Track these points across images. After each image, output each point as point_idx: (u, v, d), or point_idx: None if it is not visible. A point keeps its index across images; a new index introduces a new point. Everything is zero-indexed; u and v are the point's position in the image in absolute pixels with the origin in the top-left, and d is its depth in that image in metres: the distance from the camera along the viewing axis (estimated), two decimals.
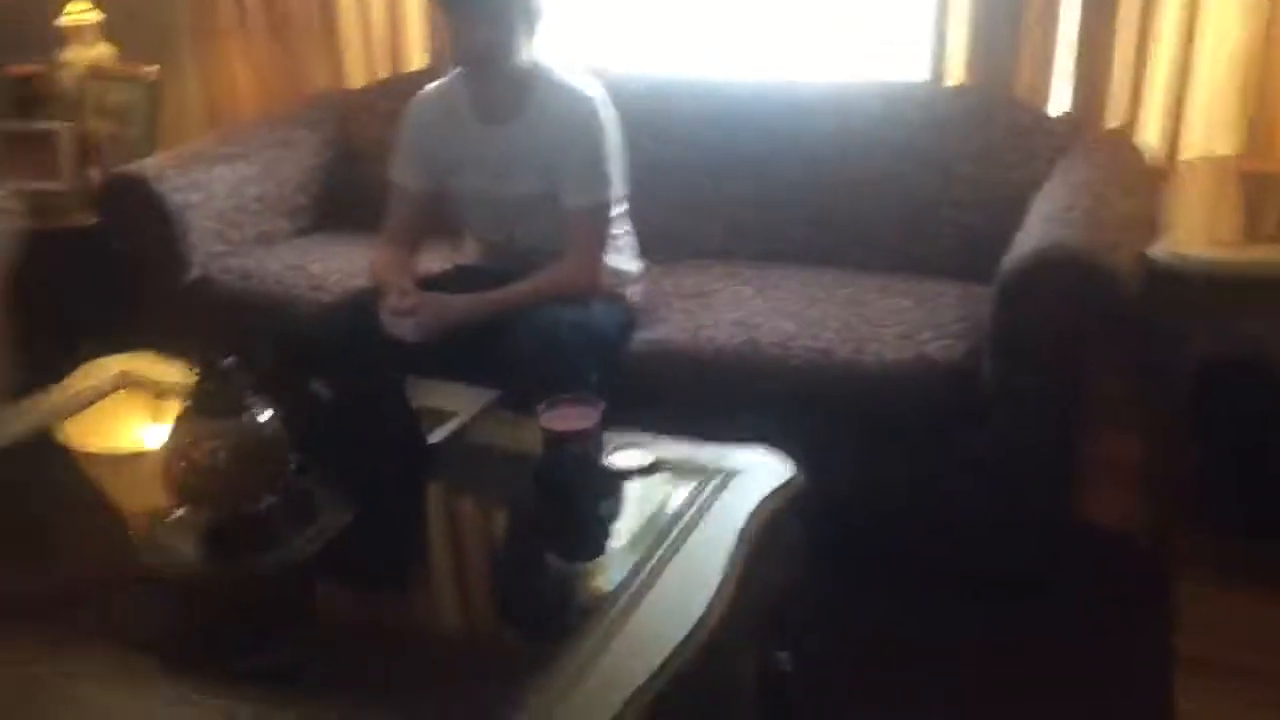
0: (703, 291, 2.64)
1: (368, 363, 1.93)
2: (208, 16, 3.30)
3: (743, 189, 2.84)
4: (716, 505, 1.79)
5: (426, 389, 2.15)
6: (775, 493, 1.82)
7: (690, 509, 1.78)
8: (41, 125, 3.13)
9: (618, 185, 2.41)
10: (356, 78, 3.29)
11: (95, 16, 3.17)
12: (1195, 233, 2.30)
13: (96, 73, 3.16)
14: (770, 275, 2.70)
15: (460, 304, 2.30)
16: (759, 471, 1.86)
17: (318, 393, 1.90)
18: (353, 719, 1.41)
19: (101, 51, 3.19)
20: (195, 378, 1.69)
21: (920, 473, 2.30)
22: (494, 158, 2.37)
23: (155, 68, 3.16)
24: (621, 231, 2.50)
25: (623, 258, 2.51)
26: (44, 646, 1.54)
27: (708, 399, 2.37)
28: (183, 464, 1.65)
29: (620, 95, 2.69)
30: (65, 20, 3.17)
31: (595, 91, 2.38)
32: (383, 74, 3.25)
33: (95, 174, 3.09)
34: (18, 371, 2.81)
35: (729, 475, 1.86)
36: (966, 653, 2.21)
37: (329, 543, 1.74)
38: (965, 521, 2.29)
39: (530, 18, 2.30)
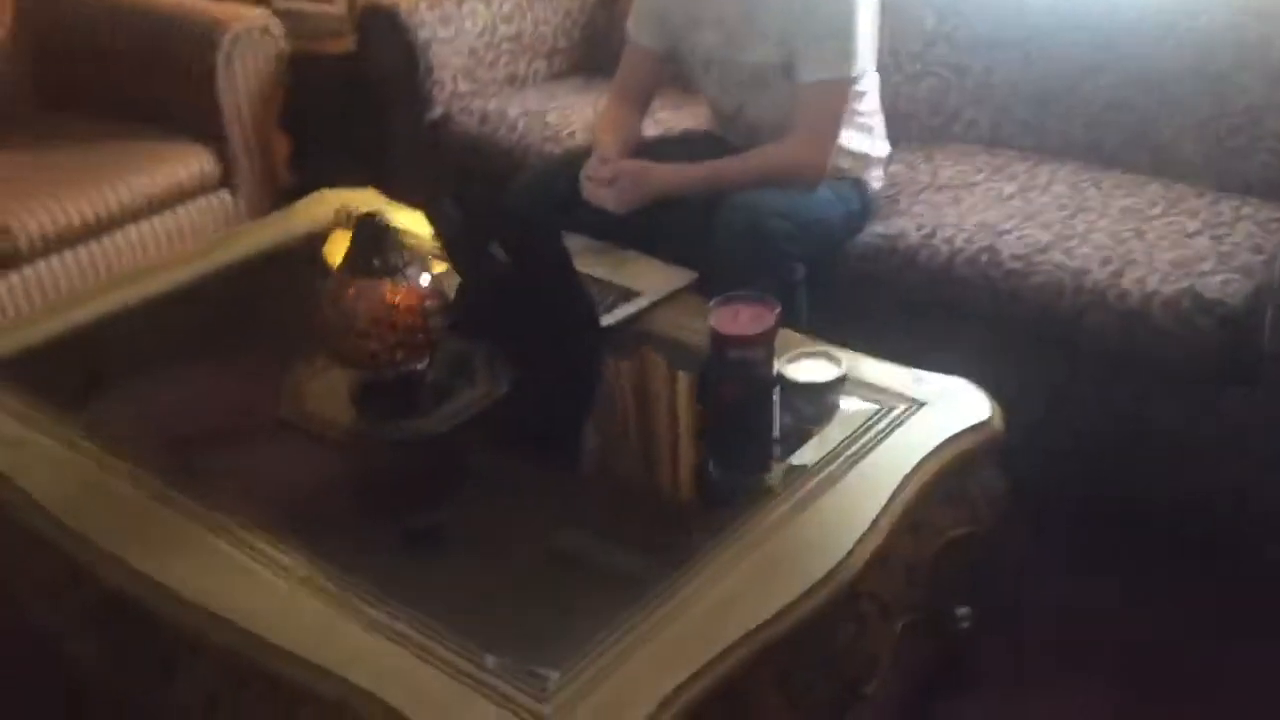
0: (957, 183, 2.36)
1: (554, 230, 1.81)
2: None
3: (1019, 71, 2.49)
4: (893, 438, 1.60)
5: (621, 261, 2.04)
6: (964, 434, 1.61)
7: (862, 438, 1.59)
8: None
9: (864, 58, 2.15)
10: None
11: None
12: None
13: None
14: (1040, 172, 2.38)
15: (663, 175, 2.12)
16: (951, 407, 1.65)
17: (495, 256, 1.81)
18: (462, 608, 1.35)
19: None
20: (351, 232, 1.65)
21: (1164, 433, 1.99)
22: (732, 18, 2.16)
23: None
24: (866, 109, 2.25)
25: (864, 137, 2.26)
26: (176, 482, 1.57)
27: (931, 313, 2.13)
28: (329, 321, 1.62)
29: None
30: None
31: None
32: None
33: None
34: (276, 191, 2.90)
35: (916, 406, 1.65)
36: (1174, 631, 1.93)
37: (474, 415, 1.68)
38: (1212, 496, 1.97)
39: None
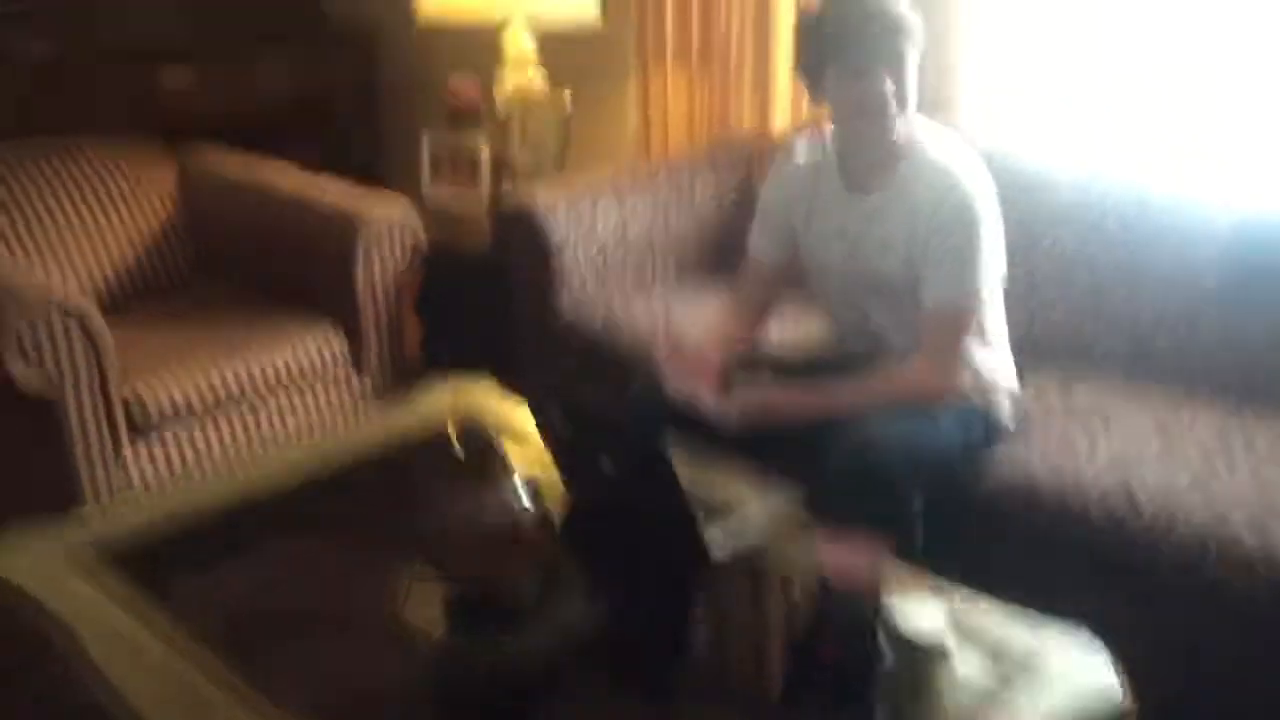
0: (1091, 415, 2.26)
1: (664, 446, 1.77)
2: (647, 46, 3.30)
3: (1162, 297, 2.40)
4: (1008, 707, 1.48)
5: (728, 480, 1.98)
6: (1086, 702, 1.48)
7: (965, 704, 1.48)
8: (468, 142, 3.26)
9: (990, 278, 2.10)
10: (783, 122, 3.16)
11: (531, 43, 3.26)
12: None
13: (521, 95, 3.24)
14: (1182, 409, 2.27)
15: (784, 401, 2.08)
16: (1072, 672, 1.52)
17: (604, 469, 1.78)
18: None
19: (532, 76, 3.27)
20: (463, 444, 1.64)
21: None
22: (855, 229, 2.15)
23: (568, 93, 3.19)
24: (991, 324, 2.18)
25: (989, 353, 2.19)
26: (259, 672, 1.54)
27: (1059, 556, 2.01)
28: (431, 530, 1.60)
29: (1029, 186, 2.44)
30: (505, 42, 3.28)
31: (975, 169, 2.09)
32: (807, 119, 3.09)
33: (506, 194, 3.18)
34: (403, 373, 2.95)
35: (1030, 671, 1.53)
36: None
37: (570, 638, 1.63)
38: None
39: (914, 71, 2.05)
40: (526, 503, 1.60)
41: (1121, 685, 1.51)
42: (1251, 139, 2.53)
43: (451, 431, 1.95)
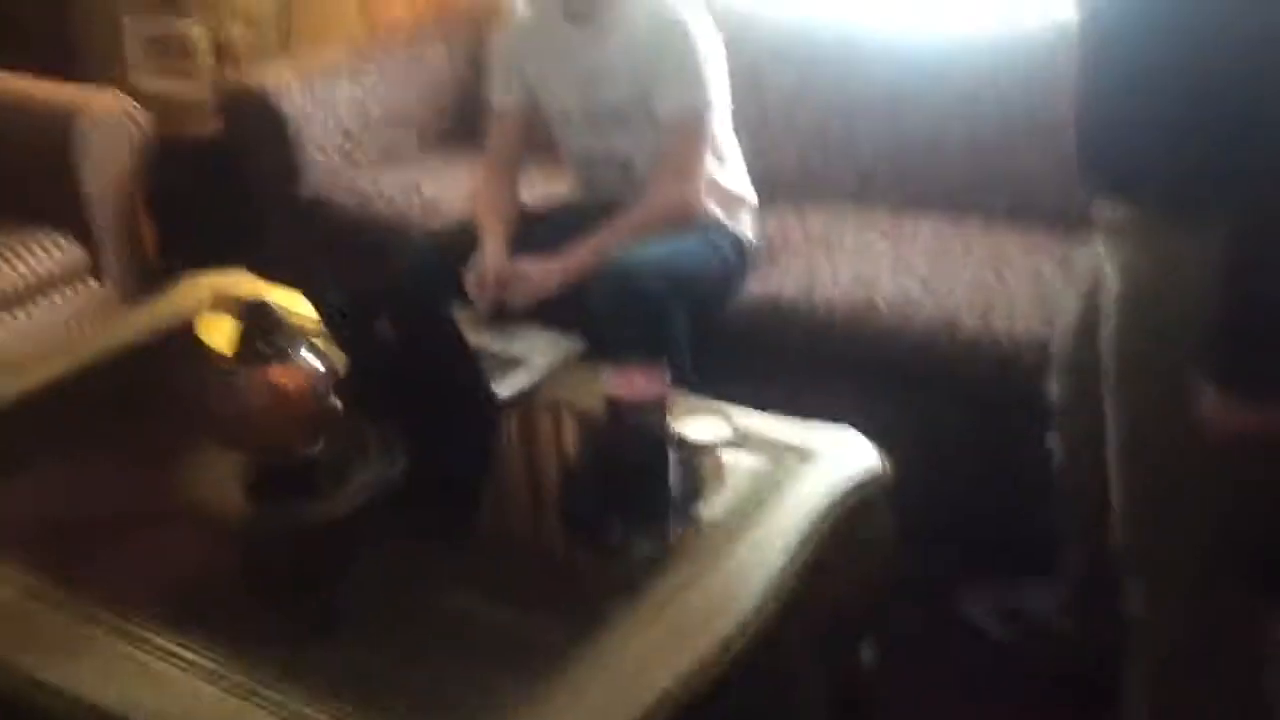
0: (829, 239, 2.44)
1: (443, 305, 1.82)
2: None
3: (879, 128, 2.60)
4: (787, 491, 1.63)
5: (509, 332, 2.06)
6: (854, 482, 1.65)
7: (758, 493, 1.63)
8: (179, 25, 3.10)
9: (717, 92, 2.23)
10: None
11: None
12: None
13: None
14: (905, 224, 2.48)
15: (548, 273, 2.14)
16: (840, 457, 1.69)
17: (382, 333, 1.81)
18: (373, 689, 1.34)
19: None
20: (234, 315, 1.63)
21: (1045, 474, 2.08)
22: (585, 64, 2.24)
23: None
24: (727, 146, 2.33)
25: (729, 174, 2.33)
26: (64, 581, 1.52)
27: (813, 365, 2.20)
28: (221, 409, 1.59)
29: (746, 26, 2.58)
30: None
31: None
32: None
33: (231, 78, 3.06)
34: (146, 278, 2.84)
35: (807, 457, 1.69)
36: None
37: (371, 497, 1.67)
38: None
39: None
40: (317, 365, 1.61)
41: (882, 462, 1.69)
42: None
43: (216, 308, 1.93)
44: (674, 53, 2.17)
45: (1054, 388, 1.86)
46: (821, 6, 2.72)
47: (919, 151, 2.58)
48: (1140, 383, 1.53)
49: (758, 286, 2.30)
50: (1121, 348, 1.54)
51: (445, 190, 2.69)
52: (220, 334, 2.12)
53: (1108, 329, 1.56)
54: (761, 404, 1.81)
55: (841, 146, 2.65)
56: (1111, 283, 1.55)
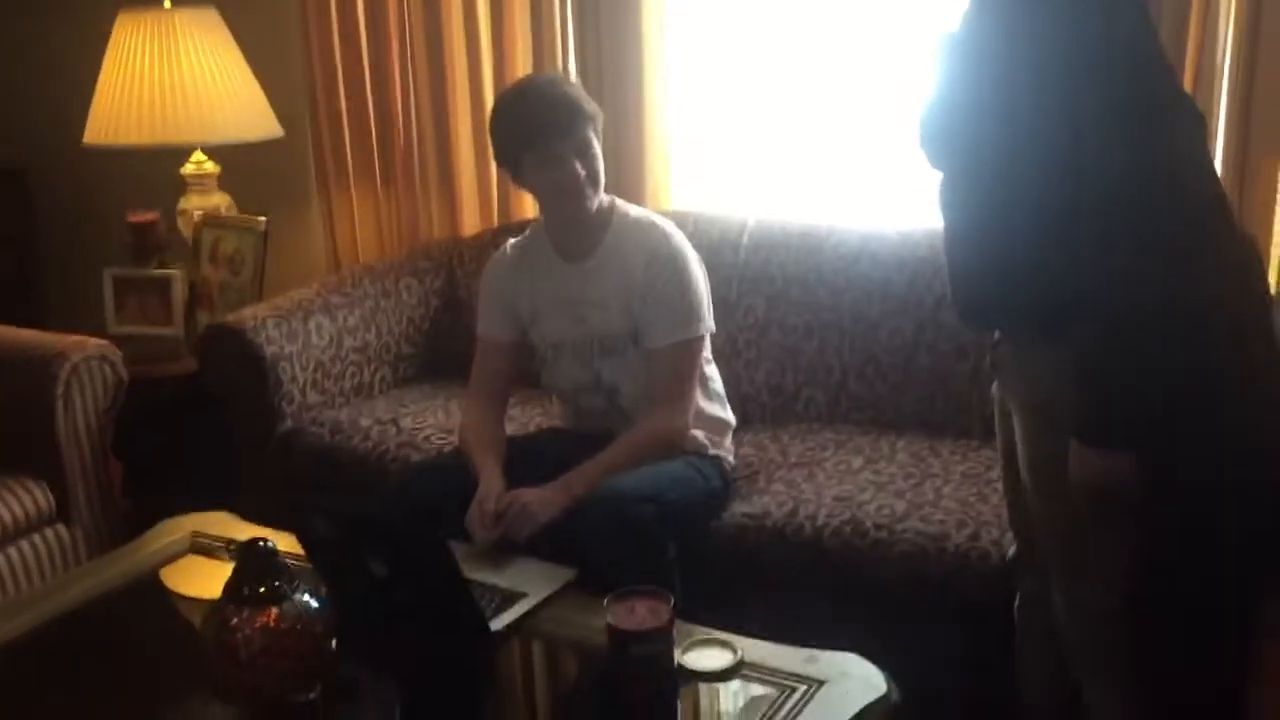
0: (808, 460, 2.47)
1: (434, 538, 1.80)
2: (327, 167, 3.33)
3: (850, 349, 2.67)
4: None
5: (500, 563, 2.04)
6: (863, 709, 1.62)
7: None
8: (157, 272, 3.17)
9: (706, 321, 2.30)
10: (472, 227, 3.26)
11: (214, 167, 3.22)
12: None
13: (211, 220, 3.19)
14: (882, 444, 2.52)
15: (548, 503, 2.12)
16: (849, 684, 1.66)
17: (374, 569, 1.78)
18: None
19: (218, 200, 3.23)
20: (234, 559, 1.60)
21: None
22: (575, 296, 2.30)
23: (264, 218, 3.17)
24: (711, 379, 2.39)
25: (713, 405, 2.38)
26: None
27: (803, 585, 2.19)
28: (217, 654, 1.55)
29: (713, 241, 2.71)
30: (186, 170, 3.22)
31: (674, 229, 2.33)
32: (496, 223, 3.22)
33: (205, 320, 3.10)
34: (114, 520, 2.78)
35: (815, 685, 1.66)
36: None
37: None
38: None
39: (599, 150, 2.26)
40: (314, 606, 1.57)
41: (889, 686, 1.66)
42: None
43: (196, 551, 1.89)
44: (668, 287, 2.24)
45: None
46: (786, 235, 2.83)
47: (890, 371, 2.64)
48: (1050, 479, 1.71)
49: (741, 508, 2.30)
50: (1030, 457, 1.78)
51: (422, 423, 2.70)
52: (203, 577, 2.08)
53: (1020, 453, 1.80)
54: (749, 625, 1.79)
55: (812, 368, 2.71)
56: (1013, 418, 1.80)
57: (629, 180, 2.96)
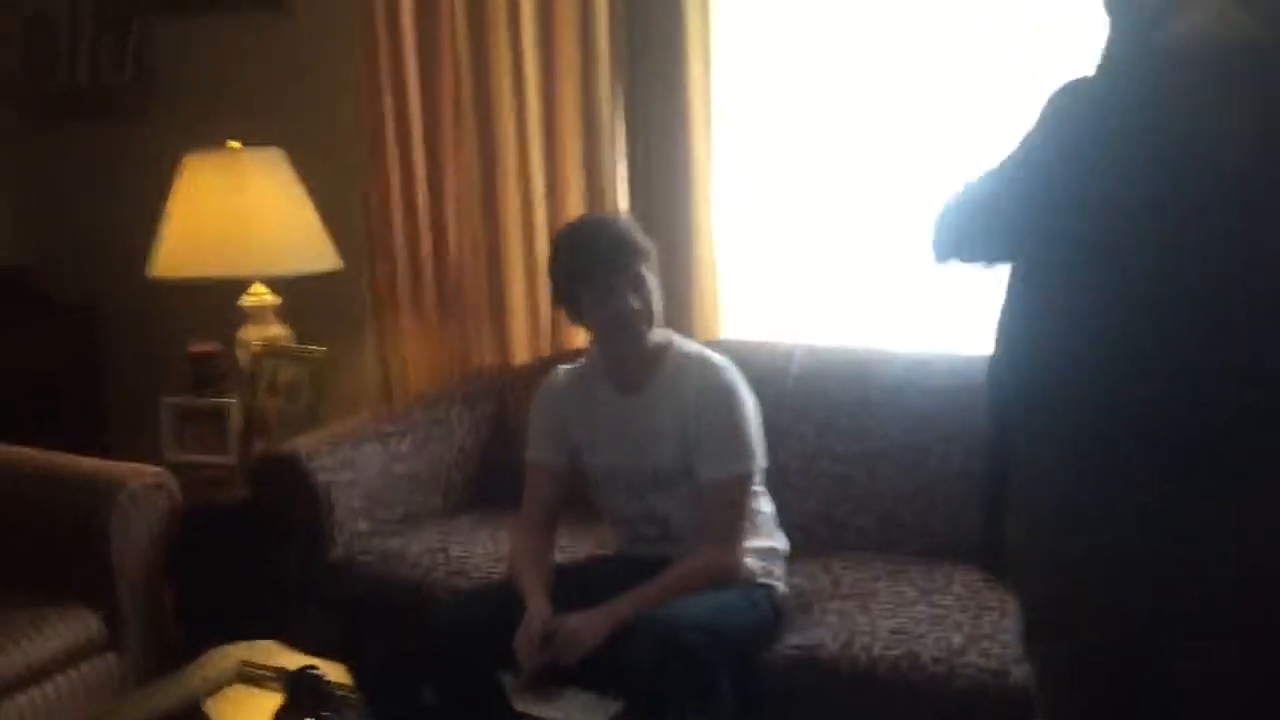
0: (860, 590, 2.43)
1: (486, 668, 1.79)
2: (383, 298, 3.40)
3: (901, 477, 2.65)
4: None
5: (550, 695, 2.01)
6: None
7: None
8: (213, 400, 3.23)
9: (758, 457, 2.30)
10: (522, 357, 3.30)
11: (273, 299, 3.30)
12: None
13: (269, 350, 3.26)
14: (936, 575, 2.48)
15: (595, 628, 2.12)
16: None
17: (424, 699, 1.77)
18: None
19: (276, 331, 3.30)
20: (283, 688, 1.60)
21: None
22: (629, 428, 2.32)
23: (323, 348, 3.24)
24: (762, 509, 2.38)
25: (764, 537, 2.37)
26: None
27: (857, 716, 2.13)
28: None
29: (761, 369, 2.68)
30: (246, 301, 3.30)
31: (728, 364, 2.35)
32: (546, 353, 3.26)
33: (261, 449, 3.14)
34: (165, 648, 2.78)
35: None
36: None
37: None
38: None
39: (655, 285, 2.31)
40: None
41: None
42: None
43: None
44: (721, 421, 2.26)
45: None
46: (834, 363, 2.84)
47: (942, 500, 2.61)
48: None
49: (794, 639, 2.26)
50: None
51: (471, 552, 2.70)
52: (248, 709, 2.07)
53: None
54: None
55: (863, 497, 2.69)
56: None
57: (678, 310, 2.99)
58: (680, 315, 2.98)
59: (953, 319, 2.84)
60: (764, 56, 3.04)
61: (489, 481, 3.09)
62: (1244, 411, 1.43)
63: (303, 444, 2.82)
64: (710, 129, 3.01)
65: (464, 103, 3.25)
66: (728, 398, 2.28)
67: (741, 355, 2.72)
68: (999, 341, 1.66)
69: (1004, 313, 1.65)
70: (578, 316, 2.36)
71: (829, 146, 3.01)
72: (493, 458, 3.12)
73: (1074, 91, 1.54)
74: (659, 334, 2.33)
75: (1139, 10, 1.43)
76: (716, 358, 2.36)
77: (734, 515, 2.25)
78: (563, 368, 2.49)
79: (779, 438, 2.71)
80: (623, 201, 3.12)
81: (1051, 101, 1.56)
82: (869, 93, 2.94)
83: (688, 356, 2.34)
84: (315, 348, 3.25)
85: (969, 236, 1.65)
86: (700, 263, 3.05)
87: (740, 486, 2.26)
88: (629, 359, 2.33)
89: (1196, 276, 1.43)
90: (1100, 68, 1.51)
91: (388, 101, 3.28)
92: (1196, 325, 1.44)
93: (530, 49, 3.15)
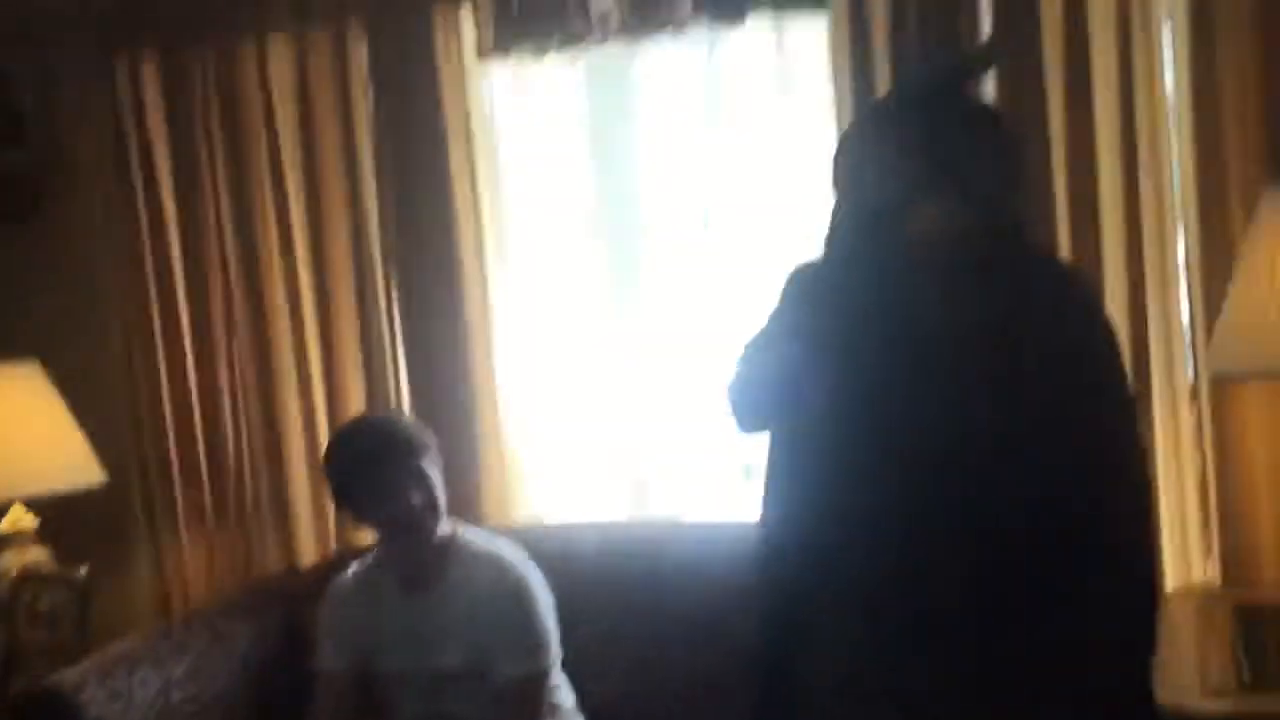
0: None
1: None
2: (155, 509, 3.25)
3: (695, 654, 2.64)
4: None
5: None
6: None
7: None
8: None
9: (552, 651, 2.29)
10: (310, 558, 3.19)
11: (31, 521, 3.10)
12: (1188, 677, 2.08)
13: (28, 576, 3.04)
14: None
15: None
16: None
17: None
18: None
19: (36, 555, 3.09)
20: None
21: None
22: (419, 630, 2.27)
23: (83, 567, 3.04)
24: (562, 702, 2.36)
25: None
26: None
27: None
28: None
29: (556, 550, 2.64)
30: (1, 528, 3.09)
31: (518, 555, 2.33)
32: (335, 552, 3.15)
33: (21, 686, 2.89)
34: None
35: None
36: None
37: None
38: None
39: (439, 480, 2.29)
40: None
41: None
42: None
43: None
44: (515, 619, 2.24)
45: None
46: (629, 540, 2.85)
47: (739, 670, 2.61)
48: None
49: None
50: None
51: None
52: None
53: None
54: None
55: (662, 677, 2.67)
56: None
57: (468, 497, 2.96)
58: (470, 502, 2.94)
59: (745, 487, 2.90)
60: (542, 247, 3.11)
61: (279, 698, 2.92)
62: (974, 577, 1.49)
63: (68, 677, 2.61)
64: (489, 310, 3.04)
65: (235, 300, 3.21)
66: (520, 594, 2.25)
67: (533, 539, 2.72)
68: (761, 507, 1.71)
69: (765, 480, 1.70)
70: (359, 517, 2.31)
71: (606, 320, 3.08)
72: (281, 671, 2.96)
73: (810, 272, 1.63)
74: (445, 527, 2.30)
75: (872, 202, 1.54)
76: (506, 551, 2.33)
77: (532, 713, 2.22)
78: (352, 568, 2.43)
79: (574, 623, 2.67)
80: (405, 391, 3.09)
81: (790, 280, 1.65)
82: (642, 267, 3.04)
83: (476, 552, 2.31)
84: (76, 568, 3.05)
85: (738, 409, 1.71)
86: (487, 448, 3.03)
87: (537, 683, 2.24)
88: (415, 557, 2.30)
89: (923, 447, 1.51)
90: (832, 248, 1.61)
91: (152, 302, 3.20)
92: (926, 495, 1.51)
93: (302, 250, 3.14)
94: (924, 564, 1.50)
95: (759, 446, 1.83)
